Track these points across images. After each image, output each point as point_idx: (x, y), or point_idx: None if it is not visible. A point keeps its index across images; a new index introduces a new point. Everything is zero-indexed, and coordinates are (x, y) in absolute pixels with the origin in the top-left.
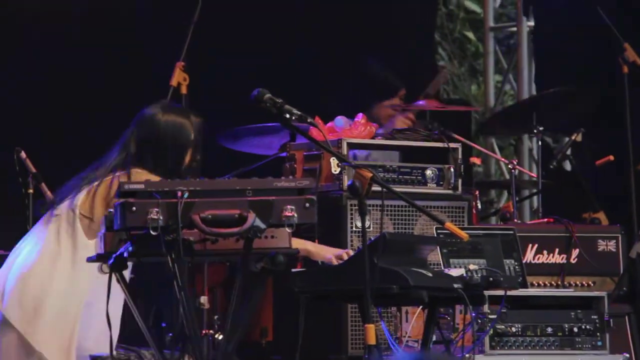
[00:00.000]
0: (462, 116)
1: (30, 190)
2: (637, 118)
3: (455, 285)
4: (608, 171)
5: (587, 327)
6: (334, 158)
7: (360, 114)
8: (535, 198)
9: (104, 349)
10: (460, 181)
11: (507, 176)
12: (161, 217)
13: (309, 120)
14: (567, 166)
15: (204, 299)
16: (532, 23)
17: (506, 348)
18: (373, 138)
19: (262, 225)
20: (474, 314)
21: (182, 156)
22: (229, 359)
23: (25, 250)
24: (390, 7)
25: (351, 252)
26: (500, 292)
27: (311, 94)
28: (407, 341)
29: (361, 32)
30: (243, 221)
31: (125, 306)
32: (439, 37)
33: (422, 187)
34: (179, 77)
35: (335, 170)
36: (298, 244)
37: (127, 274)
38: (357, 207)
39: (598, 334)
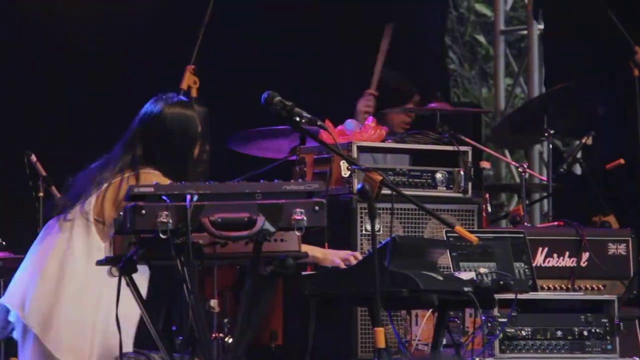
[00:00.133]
0: (473, 119)
1: (41, 194)
2: None
3: (465, 289)
4: (619, 174)
5: (597, 330)
6: (344, 161)
7: (370, 117)
8: (545, 201)
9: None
10: (470, 184)
11: (518, 179)
12: (171, 221)
13: (318, 123)
14: (578, 169)
15: (213, 302)
16: (542, 26)
17: (516, 351)
18: (383, 141)
19: (272, 229)
20: (484, 318)
21: (190, 149)
22: None
23: (41, 255)
24: (401, 12)
25: (358, 255)
26: (511, 296)
27: (321, 97)
28: (417, 344)
29: (371, 37)
30: (252, 224)
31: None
32: (449, 40)
33: (432, 190)
34: (189, 80)
35: (345, 173)
36: (306, 250)
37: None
38: (367, 211)
39: (608, 337)
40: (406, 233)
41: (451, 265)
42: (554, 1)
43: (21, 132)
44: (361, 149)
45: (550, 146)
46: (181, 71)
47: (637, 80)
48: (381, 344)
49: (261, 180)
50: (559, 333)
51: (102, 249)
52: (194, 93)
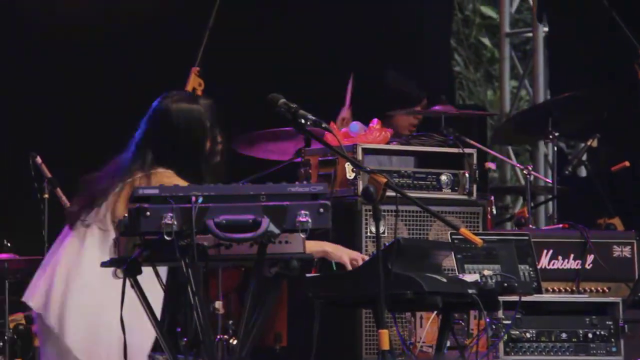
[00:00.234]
0: (478, 122)
1: (46, 196)
2: None
3: (470, 291)
4: (624, 177)
5: (602, 333)
6: (348, 163)
7: (375, 119)
8: (550, 204)
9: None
10: (475, 187)
11: (523, 182)
12: (175, 222)
13: (323, 125)
14: (583, 172)
15: (218, 304)
16: (547, 29)
17: (521, 354)
18: (388, 143)
19: (276, 231)
20: (488, 320)
21: (200, 144)
22: None
23: (58, 257)
24: (406, 14)
25: (367, 258)
26: (515, 298)
27: (327, 99)
28: (422, 347)
29: (377, 39)
30: (257, 226)
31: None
32: (454, 42)
33: (437, 192)
34: (194, 82)
35: (350, 175)
36: (315, 245)
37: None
38: (371, 213)
39: (612, 339)
40: (411, 235)
41: (456, 268)
42: (558, 4)
43: (26, 134)
44: (366, 151)
45: (555, 148)
46: (186, 73)
47: None
48: (385, 346)
49: (266, 183)
50: (564, 335)
51: None
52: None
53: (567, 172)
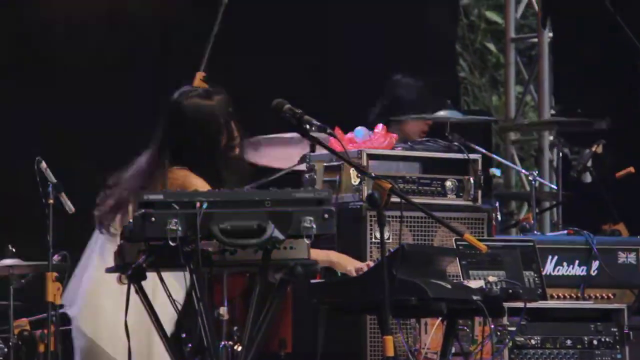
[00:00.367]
0: (483, 127)
1: (51, 201)
2: None
3: (475, 297)
4: (629, 183)
5: (607, 339)
6: (353, 169)
7: (380, 125)
8: (555, 210)
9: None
10: (480, 192)
11: (528, 188)
12: (180, 228)
13: (328, 131)
14: (588, 178)
15: (223, 310)
16: (552, 34)
17: None
18: (393, 149)
19: (281, 236)
20: (493, 326)
21: (214, 139)
22: None
23: (93, 265)
24: (411, 19)
25: (372, 265)
26: (520, 304)
27: (333, 105)
28: (426, 353)
29: (382, 44)
30: (262, 232)
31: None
32: (460, 48)
33: (441, 198)
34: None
35: (355, 181)
36: (321, 254)
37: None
38: (376, 218)
39: (617, 346)
40: (415, 241)
41: (460, 274)
42: (562, 9)
43: (31, 139)
44: (371, 157)
45: (560, 154)
46: (191, 78)
47: None
48: (390, 352)
49: (271, 188)
50: (569, 342)
51: None
52: None
53: (573, 174)
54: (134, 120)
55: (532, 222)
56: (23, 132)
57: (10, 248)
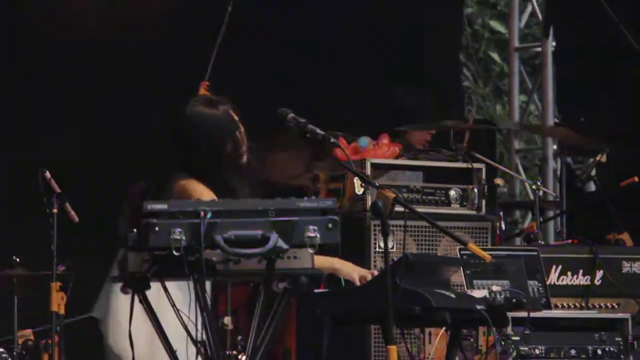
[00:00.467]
0: (487, 137)
1: (55, 210)
2: None
3: (478, 307)
4: (633, 192)
5: (611, 349)
6: (357, 178)
7: (384, 134)
8: (559, 219)
9: None
10: (483, 202)
11: (532, 197)
12: (184, 238)
13: (332, 140)
14: (592, 187)
15: (227, 320)
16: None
17: None
18: (397, 158)
19: (285, 246)
20: (497, 336)
21: (218, 148)
22: None
23: None
24: (415, 28)
25: (376, 273)
26: (524, 314)
27: (337, 115)
28: None
29: (386, 53)
30: (266, 242)
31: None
32: (464, 57)
33: (445, 207)
34: None
35: (359, 190)
36: (325, 261)
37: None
38: (380, 228)
39: (622, 356)
40: (419, 250)
41: (464, 283)
42: (565, 18)
43: (35, 149)
44: (375, 166)
45: (564, 164)
46: (196, 87)
47: None
48: None
49: (275, 198)
50: (573, 352)
51: None
52: None
53: (578, 183)
54: (139, 129)
55: (536, 231)
56: (27, 141)
57: (15, 258)
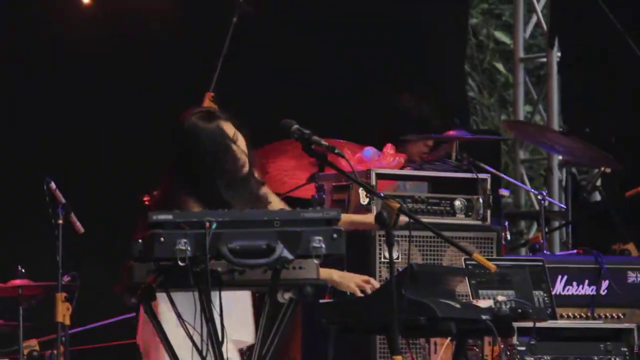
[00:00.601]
0: (492, 147)
1: (60, 221)
2: None
3: (484, 317)
4: (638, 202)
5: (617, 359)
6: (362, 189)
7: (389, 144)
8: (564, 229)
9: None
10: (489, 212)
11: (537, 207)
12: (189, 248)
13: (336, 151)
14: (597, 197)
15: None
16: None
17: None
18: (402, 169)
19: (290, 256)
20: (502, 346)
21: (210, 161)
22: None
23: None
24: (420, 39)
25: (374, 280)
26: (529, 324)
27: (341, 123)
28: None
29: (392, 63)
30: (271, 252)
31: None
32: (469, 67)
33: (450, 217)
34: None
35: (364, 201)
36: (323, 273)
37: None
38: (385, 238)
39: None
40: (425, 261)
41: (470, 293)
42: (570, 29)
43: (40, 160)
44: (380, 177)
45: (570, 174)
46: (200, 98)
47: None
48: None
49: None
50: None
51: None
52: None
53: (584, 194)
54: (144, 139)
55: (542, 241)
56: (33, 152)
57: (20, 269)
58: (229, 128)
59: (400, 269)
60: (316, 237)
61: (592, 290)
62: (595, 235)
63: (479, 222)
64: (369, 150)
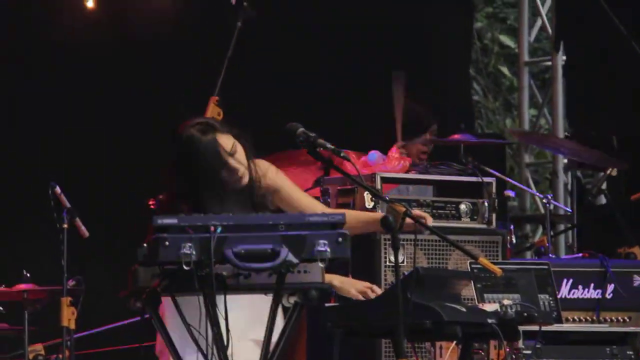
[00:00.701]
0: (497, 151)
1: (65, 226)
2: None
3: (489, 321)
4: None
5: None
6: (367, 192)
7: (394, 148)
8: (570, 232)
9: None
10: (494, 215)
11: (542, 210)
12: (194, 252)
13: (342, 154)
14: (602, 200)
15: None
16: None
17: None
18: (407, 172)
19: (295, 260)
20: (508, 350)
21: (202, 173)
22: None
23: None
24: (425, 43)
25: (376, 287)
26: (535, 328)
27: (344, 126)
28: None
29: (394, 66)
30: (276, 256)
31: None
32: (473, 71)
33: (456, 221)
34: (213, 112)
35: (369, 204)
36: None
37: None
38: (390, 242)
39: None
40: (430, 264)
41: (475, 297)
42: (575, 32)
43: (41, 162)
44: (385, 180)
45: (575, 177)
46: (205, 102)
47: None
48: None
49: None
50: None
51: None
52: None
53: (590, 197)
54: (145, 141)
55: (547, 245)
56: (38, 156)
57: (25, 273)
58: (227, 140)
59: (405, 273)
60: (321, 240)
61: (597, 294)
62: (601, 238)
63: (484, 226)
64: (374, 154)
